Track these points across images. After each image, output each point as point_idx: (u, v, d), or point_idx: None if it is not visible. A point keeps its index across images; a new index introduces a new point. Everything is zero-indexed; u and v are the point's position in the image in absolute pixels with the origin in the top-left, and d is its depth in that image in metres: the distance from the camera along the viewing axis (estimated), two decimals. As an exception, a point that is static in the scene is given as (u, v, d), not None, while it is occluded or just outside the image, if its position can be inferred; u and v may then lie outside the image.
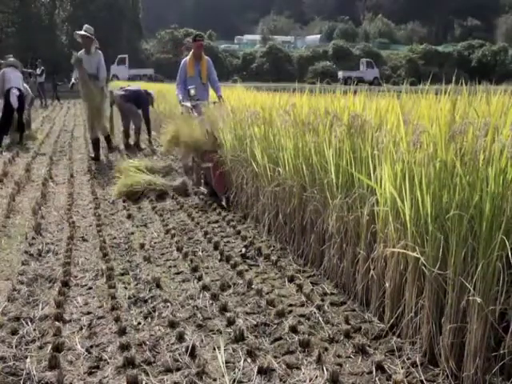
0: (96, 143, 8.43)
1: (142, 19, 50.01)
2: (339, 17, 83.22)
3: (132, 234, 4.56)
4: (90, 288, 3.39)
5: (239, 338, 2.70)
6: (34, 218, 4.84)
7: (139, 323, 2.90)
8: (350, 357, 2.56)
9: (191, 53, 6.84)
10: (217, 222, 4.94)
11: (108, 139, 9.01)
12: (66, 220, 4.89)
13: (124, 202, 5.59)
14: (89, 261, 3.90)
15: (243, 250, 4.09)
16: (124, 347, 2.58)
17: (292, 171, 3.98)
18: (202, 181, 6.07)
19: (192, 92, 6.21)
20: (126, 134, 9.63)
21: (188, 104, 6.30)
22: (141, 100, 9.59)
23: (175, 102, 10.21)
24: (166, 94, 11.77)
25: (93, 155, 8.43)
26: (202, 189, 6.01)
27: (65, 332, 2.78)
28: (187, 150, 6.10)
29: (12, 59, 10.16)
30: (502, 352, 2.16)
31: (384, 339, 2.71)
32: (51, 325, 2.82)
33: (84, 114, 9.74)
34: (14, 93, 9.40)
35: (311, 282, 3.47)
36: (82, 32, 8.10)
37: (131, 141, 9.66)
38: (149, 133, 10.19)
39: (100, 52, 8.08)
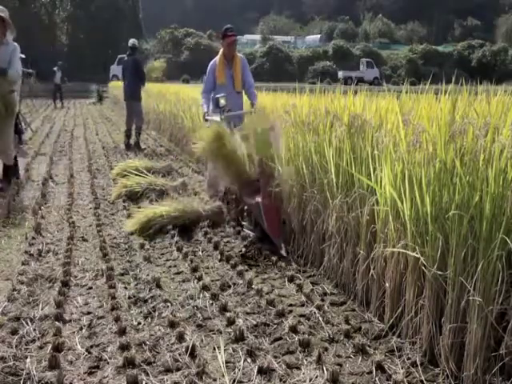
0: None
1: (142, 19, 50.03)
2: (339, 17, 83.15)
3: (132, 234, 4.56)
4: (90, 288, 3.39)
5: (239, 337, 2.70)
6: (33, 218, 4.84)
7: (139, 323, 2.90)
8: (349, 357, 2.57)
9: (221, 52, 5.28)
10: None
11: (11, 170, 6.13)
12: (66, 220, 4.89)
13: (124, 202, 5.59)
14: (89, 261, 3.90)
15: (243, 250, 4.09)
16: (124, 347, 2.58)
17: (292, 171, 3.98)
18: (246, 219, 4.62)
19: (222, 102, 4.72)
20: (128, 134, 9.64)
21: (216, 118, 4.75)
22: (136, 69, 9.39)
23: (175, 102, 10.26)
24: (165, 93, 11.77)
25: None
26: (247, 230, 4.50)
27: (65, 332, 2.78)
28: (224, 173, 4.56)
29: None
30: (501, 352, 2.16)
31: (384, 339, 2.71)
32: (51, 325, 2.82)
33: None
34: None
35: (311, 282, 3.47)
36: None
37: (132, 141, 9.66)
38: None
39: (16, 44, 5.64)
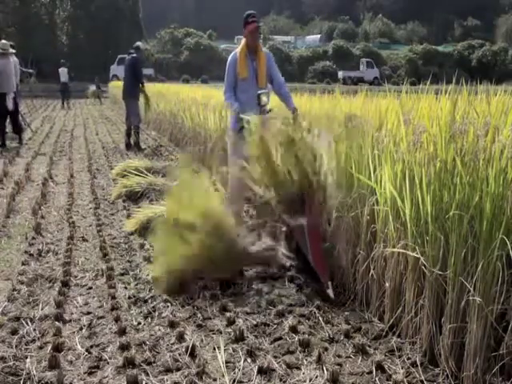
0: None
1: (142, 19, 50.04)
2: (339, 17, 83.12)
3: (132, 234, 4.56)
4: (90, 288, 3.39)
5: (239, 337, 2.70)
6: (33, 218, 4.84)
7: (139, 323, 2.90)
8: (349, 357, 2.56)
9: (243, 43, 4.55)
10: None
11: None
12: (66, 220, 4.89)
13: (124, 202, 5.59)
14: (89, 261, 3.90)
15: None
16: (124, 347, 2.58)
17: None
18: (283, 242, 3.80)
19: (264, 100, 4.12)
20: (128, 133, 9.65)
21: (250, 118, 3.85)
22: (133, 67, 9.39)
23: (175, 102, 10.25)
24: (165, 93, 11.77)
25: None
26: (284, 259, 3.72)
27: (65, 332, 2.78)
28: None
29: (4, 42, 9.48)
30: (501, 352, 2.16)
31: (384, 339, 2.71)
32: (51, 325, 2.82)
33: None
34: (10, 96, 9.30)
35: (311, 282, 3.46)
36: None
37: (132, 140, 9.66)
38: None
39: None
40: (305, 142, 3.35)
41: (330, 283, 3.21)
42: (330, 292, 3.18)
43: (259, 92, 4.13)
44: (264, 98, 4.10)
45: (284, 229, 3.70)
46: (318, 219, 3.32)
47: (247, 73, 4.44)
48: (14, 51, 9.98)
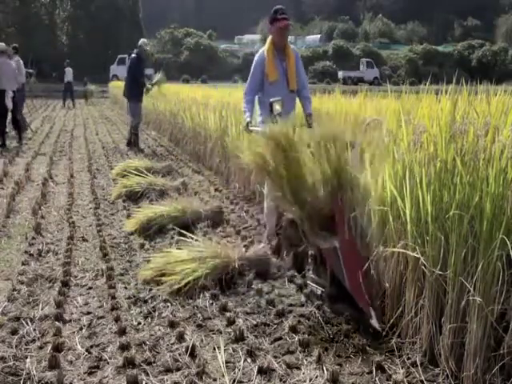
0: None
1: (142, 19, 50.04)
2: (339, 17, 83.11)
3: (132, 234, 4.56)
4: (90, 288, 3.39)
5: (239, 337, 2.70)
6: (33, 218, 4.84)
7: (139, 323, 2.90)
8: (349, 357, 2.56)
9: (269, 41, 4.14)
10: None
11: None
12: (66, 220, 4.89)
13: (124, 202, 5.59)
14: (89, 261, 3.90)
15: (243, 249, 4.07)
16: (124, 347, 2.58)
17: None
18: (311, 267, 3.40)
19: (277, 108, 3.74)
20: (130, 132, 9.65)
21: (263, 130, 3.57)
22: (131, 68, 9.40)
23: (175, 102, 10.25)
24: (166, 93, 11.76)
25: None
26: (313, 285, 3.30)
27: (65, 332, 2.78)
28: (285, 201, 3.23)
29: (2, 44, 9.59)
30: (501, 352, 2.16)
31: (384, 339, 2.71)
32: (51, 325, 2.82)
33: None
34: (9, 94, 9.31)
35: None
36: None
37: (133, 139, 9.65)
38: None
39: None
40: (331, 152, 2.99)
41: (373, 312, 2.78)
42: (375, 323, 2.73)
43: (271, 100, 3.76)
44: (277, 107, 3.74)
45: (312, 251, 3.33)
46: (352, 238, 2.90)
47: (278, 75, 4.06)
48: (14, 51, 10.04)
